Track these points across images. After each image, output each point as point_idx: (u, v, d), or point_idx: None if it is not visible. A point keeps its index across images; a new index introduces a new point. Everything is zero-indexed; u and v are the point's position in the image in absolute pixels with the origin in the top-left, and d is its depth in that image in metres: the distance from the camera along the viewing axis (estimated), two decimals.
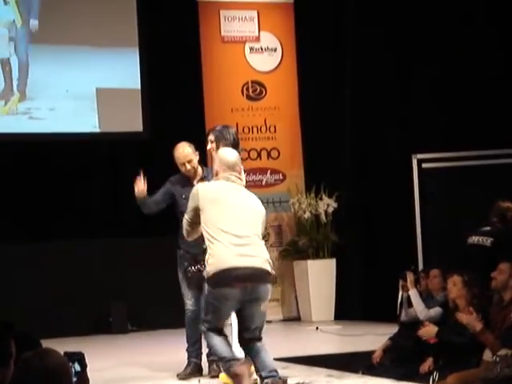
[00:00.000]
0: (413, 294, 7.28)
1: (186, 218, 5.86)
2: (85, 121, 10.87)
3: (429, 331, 6.67)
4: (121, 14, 11.02)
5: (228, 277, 5.50)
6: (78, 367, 3.34)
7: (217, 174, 5.96)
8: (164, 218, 10.70)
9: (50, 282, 10.01)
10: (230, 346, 5.73)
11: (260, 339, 5.69)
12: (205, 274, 5.69)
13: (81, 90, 10.81)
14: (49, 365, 2.79)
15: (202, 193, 5.76)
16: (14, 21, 10.69)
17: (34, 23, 10.73)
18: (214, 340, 5.66)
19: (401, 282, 7.43)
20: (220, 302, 5.57)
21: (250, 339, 5.67)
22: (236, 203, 5.73)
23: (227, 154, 6.00)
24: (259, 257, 5.60)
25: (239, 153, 6.35)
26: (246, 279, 5.52)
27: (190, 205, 5.80)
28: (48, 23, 10.78)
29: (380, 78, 11.01)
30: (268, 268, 5.61)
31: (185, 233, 5.94)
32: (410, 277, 7.36)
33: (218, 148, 6.55)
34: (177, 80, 10.94)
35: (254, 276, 5.55)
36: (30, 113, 10.69)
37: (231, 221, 5.62)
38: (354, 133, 11.34)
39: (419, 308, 7.18)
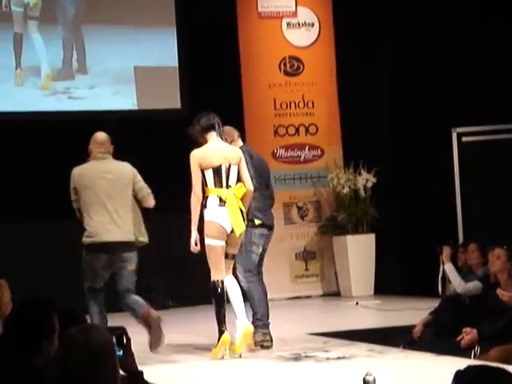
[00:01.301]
0: (448, 267, 7.22)
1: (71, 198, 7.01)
2: (123, 99, 10.90)
3: (470, 339, 6.55)
4: None
5: (99, 248, 6.76)
6: (123, 341, 3.35)
7: (90, 154, 7.03)
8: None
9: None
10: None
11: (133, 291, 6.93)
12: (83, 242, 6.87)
13: (120, 69, 10.83)
14: (93, 341, 2.80)
15: (79, 177, 6.90)
16: None
17: None
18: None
19: (440, 257, 7.38)
20: (93, 267, 6.82)
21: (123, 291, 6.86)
22: (102, 184, 6.80)
23: (97, 134, 7.10)
24: (123, 228, 6.79)
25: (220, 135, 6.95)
26: (112, 250, 6.77)
27: (70, 186, 6.95)
28: (88, 4, 10.83)
29: (419, 51, 10.89)
30: (131, 239, 6.83)
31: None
32: (445, 251, 7.30)
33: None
34: (214, 57, 10.91)
35: (120, 247, 6.79)
36: (69, 92, 10.75)
37: (98, 201, 6.77)
38: (393, 107, 11.25)
39: (456, 282, 7.13)
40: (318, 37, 11.55)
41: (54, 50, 10.70)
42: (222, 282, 6.76)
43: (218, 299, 6.75)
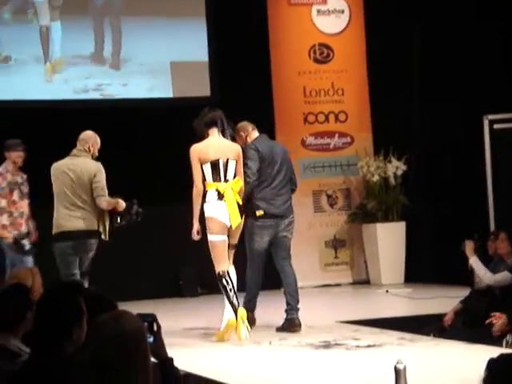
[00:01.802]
0: (473, 261, 7.16)
1: None
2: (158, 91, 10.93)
3: (500, 324, 6.51)
4: None
5: (65, 236, 7.17)
6: (153, 328, 3.35)
7: None
8: None
9: (122, 247, 9.99)
10: None
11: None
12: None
13: (154, 62, 10.84)
14: (125, 328, 2.79)
15: (52, 170, 7.33)
16: None
17: None
18: None
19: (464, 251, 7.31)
20: (61, 254, 7.18)
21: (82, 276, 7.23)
22: (65, 178, 7.21)
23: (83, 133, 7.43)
24: (85, 219, 7.17)
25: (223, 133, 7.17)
26: (77, 238, 7.17)
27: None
28: None
29: (450, 39, 10.79)
30: (93, 227, 7.19)
31: None
32: (468, 245, 7.23)
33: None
34: (243, 45, 10.88)
35: (82, 235, 7.18)
36: (101, 89, 10.76)
37: (63, 194, 7.19)
38: (424, 94, 11.17)
39: (482, 274, 7.08)
40: (348, 23, 11.49)
41: (82, 42, 10.70)
42: (228, 272, 7.10)
43: (225, 287, 7.07)
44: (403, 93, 11.19)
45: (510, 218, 9.63)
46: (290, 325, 7.34)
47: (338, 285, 11.09)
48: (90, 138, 7.39)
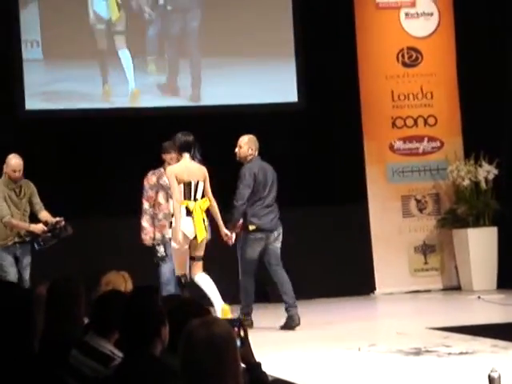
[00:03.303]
0: None
1: None
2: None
3: None
4: None
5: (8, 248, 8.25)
6: (242, 333, 3.35)
7: None
8: (314, 188, 10.77)
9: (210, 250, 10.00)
10: None
11: None
12: None
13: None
14: (216, 334, 2.79)
15: None
16: None
17: None
18: None
19: None
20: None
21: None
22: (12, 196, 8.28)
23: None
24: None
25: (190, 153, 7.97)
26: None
27: None
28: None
29: None
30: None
31: None
32: None
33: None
34: (331, 49, 10.85)
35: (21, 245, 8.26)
36: None
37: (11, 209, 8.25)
38: None
39: None
40: (437, 27, 11.34)
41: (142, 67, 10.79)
42: (185, 275, 7.94)
43: (182, 288, 7.89)
44: (494, 95, 10.99)
45: None
46: (290, 321, 8.13)
47: (427, 291, 10.95)
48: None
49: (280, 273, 8.33)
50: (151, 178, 8.65)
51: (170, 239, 8.18)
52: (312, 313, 9.55)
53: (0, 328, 2.51)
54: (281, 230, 8.40)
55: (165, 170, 8.59)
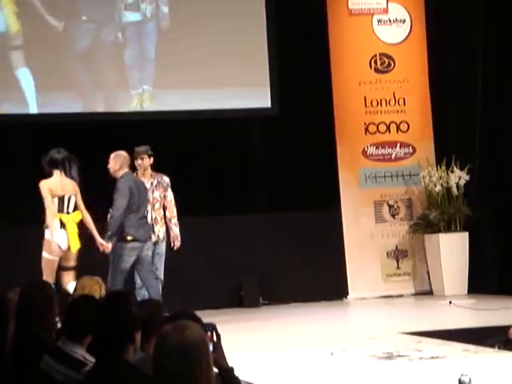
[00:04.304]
0: None
1: None
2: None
3: None
4: None
5: None
6: (214, 338, 3.36)
7: None
8: (287, 193, 10.80)
9: (184, 258, 10.00)
10: None
11: None
12: None
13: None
14: (188, 338, 2.80)
15: None
16: None
17: None
18: None
19: None
20: None
21: None
22: None
23: None
24: None
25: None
26: None
27: None
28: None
29: None
30: None
31: None
32: None
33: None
34: (304, 53, 10.91)
35: None
36: None
37: None
38: (486, 103, 11.04)
39: None
40: (409, 33, 11.44)
41: None
42: (51, 283, 8.02)
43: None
44: (465, 102, 11.08)
45: None
46: None
47: (400, 296, 11.01)
48: None
49: (152, 280, 8.57)
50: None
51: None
52: (285, 317, 9.58)
53: None
54: (151, 241, 8.75)
55: (137, 175, 8.85)
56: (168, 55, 10.71)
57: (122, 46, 10.65)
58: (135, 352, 3.52)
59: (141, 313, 3.64)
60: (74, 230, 8.31)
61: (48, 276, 8.15)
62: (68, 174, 8.37)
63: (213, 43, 10.79)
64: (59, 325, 4.32)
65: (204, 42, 10.77)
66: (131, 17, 10.66)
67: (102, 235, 8.35)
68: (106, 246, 8.35)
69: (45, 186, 8.28)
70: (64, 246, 8.29)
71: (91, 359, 3.78)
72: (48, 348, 4.00)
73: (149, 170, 9.09)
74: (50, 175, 8.36)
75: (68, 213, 8.35)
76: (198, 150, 10.71)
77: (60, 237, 8.29)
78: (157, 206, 9.08)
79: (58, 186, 8.33)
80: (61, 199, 8.33)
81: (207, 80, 10.74)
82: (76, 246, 8.31)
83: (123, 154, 8.55)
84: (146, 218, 8.68)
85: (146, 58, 10.75)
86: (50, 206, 8.23)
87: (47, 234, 8.27)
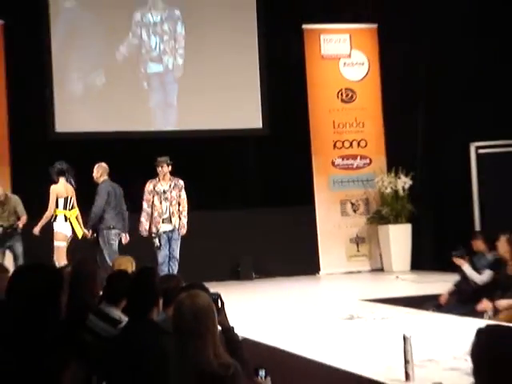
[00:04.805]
0: (465, 268, 6.99)
1: None
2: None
3: (487, 306, 6.43)
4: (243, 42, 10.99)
5: None
6: (219, 304, 3.35)
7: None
8: (275, 193, 10.78)
9: (195, 242, 9.90)
10: None
11: None
12: None
13: None
14: (198, 304, 2.82)
15: None
16: None
17: None
18: None
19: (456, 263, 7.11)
20: None
21: None
22: None
23: None
24: None
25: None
26: None
27: None
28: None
29: (452, 79, 10.67)
30: None
31: None
32: (457, 261, 7.05)
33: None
34: (287, 87, 10.91)
35: None
36: None
37: None
38: (426, 127, 11.06)
39: (474, 278, 6.93)
40: (367, 73, 11.44)
41: None
42: (66, 265, 8.31)
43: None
44: (410, 125, 11.10)
45: (492, 220, 9.51)
46: None
47: (359, 272, 11.02)
48: None
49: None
50: (149, 185, 8.68)
51: (164, 232, 8.46)
52: (269, 287, 9.57)
53: (37, 300, 2.53)
54: (125, 229, 8.65)
55: (159, 179, 8.70)
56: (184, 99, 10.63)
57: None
58: (158, 313, 3.52)
59: (162, 284, 3.65)
60: (75, 221, 8.58)
61: (61, 259, 8.25)
62: (68, 181, 8.61)
63: (218, 87, 10.69)
64: (101, 292, 4.32)
65: (211, 85, 10.68)
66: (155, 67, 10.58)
67: (85, 225, 8.59)
68: (87, 233, 8.51)
69: (53, 190, 8.56)
70: (69, 234, 8.49)
71: (125, 318, 3.79)
72: (92, 309, 4.02)
73: (168, 175, 8.77)
74: (57, 181, 8.60)
75: (70, 210, 8.60)
76: (207, 160, 10.71)
77: (65, 228, 8.51)
78: (174, 202, 8.77)
79: (63, 190, 8.60)
80: (65, 199, 8.59)
81: (215, 111, 10.67)
82: (80, 233, 8.54)
83: (103, 164, 8.62)
84: (121, 213, 8.65)
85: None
86: (52, 205, 8.47)
87: (56, 226, 8.46)
